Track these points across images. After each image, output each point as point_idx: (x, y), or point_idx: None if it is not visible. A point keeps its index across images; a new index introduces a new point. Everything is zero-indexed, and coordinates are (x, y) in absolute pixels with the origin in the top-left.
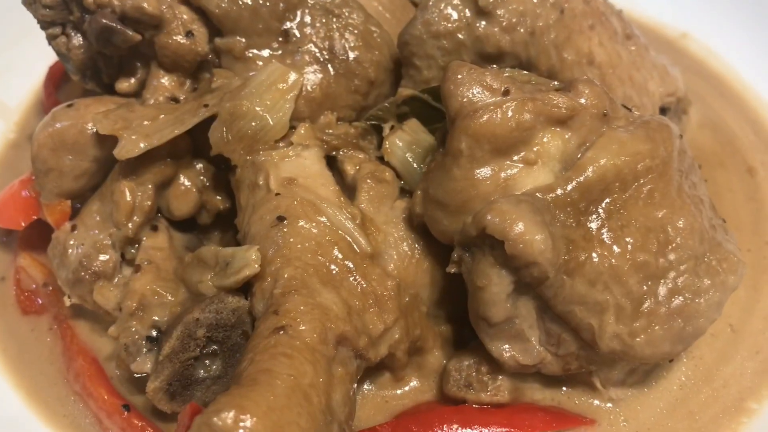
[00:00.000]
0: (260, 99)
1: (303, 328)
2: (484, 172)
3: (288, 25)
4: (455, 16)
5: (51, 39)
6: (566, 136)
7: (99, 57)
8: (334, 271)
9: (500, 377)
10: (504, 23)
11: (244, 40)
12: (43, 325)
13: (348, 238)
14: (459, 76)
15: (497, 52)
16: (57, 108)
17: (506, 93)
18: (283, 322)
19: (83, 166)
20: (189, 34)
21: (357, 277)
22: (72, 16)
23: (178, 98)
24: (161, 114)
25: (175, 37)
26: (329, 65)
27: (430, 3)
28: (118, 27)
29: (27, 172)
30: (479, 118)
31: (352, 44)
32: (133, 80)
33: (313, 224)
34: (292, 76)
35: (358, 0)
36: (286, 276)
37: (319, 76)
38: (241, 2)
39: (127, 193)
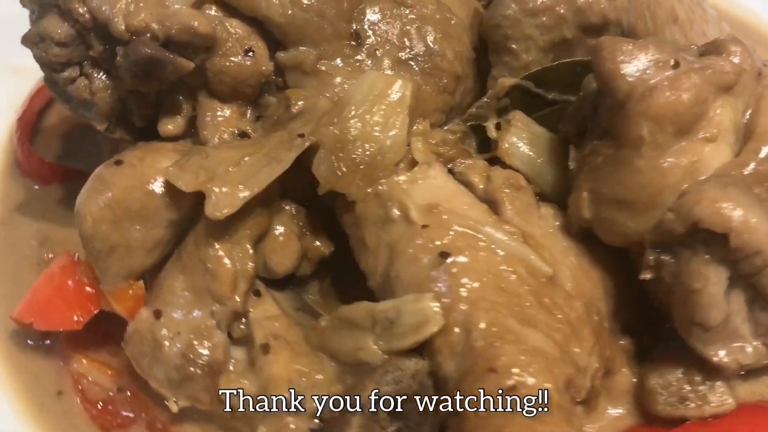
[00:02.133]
0: (370, 117)
1: (533, 381)
2: (671, 157)
3: (357, 25)
4: None
5: (66, 84)
6: (735, 104)
7: (130, 97)
8: (525, 305)
9: (717, 384)
10: None
11: (313, 50)
12: None
13: (523, 263)
14: (619, 53)
15: (602, 22)
16: (103, 169)
17: (677, 65)
18: (508, 382)
19: (156, 234)
20: (248, 52)
21: (549, 306)
22: (92, 51)
23: (247, 132)
24: (244, 155)
25: (233, 59)
26: (413, 65)
27: None
28: (168, 55)
29: (62, 255)
30: (659, 97)
31: (432, 37)
32: (179, 119)
33: (482, 254)
34: (398, 84)
35: None
36: (482, 324)
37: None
38: (304, 4)
39: (226, 259)
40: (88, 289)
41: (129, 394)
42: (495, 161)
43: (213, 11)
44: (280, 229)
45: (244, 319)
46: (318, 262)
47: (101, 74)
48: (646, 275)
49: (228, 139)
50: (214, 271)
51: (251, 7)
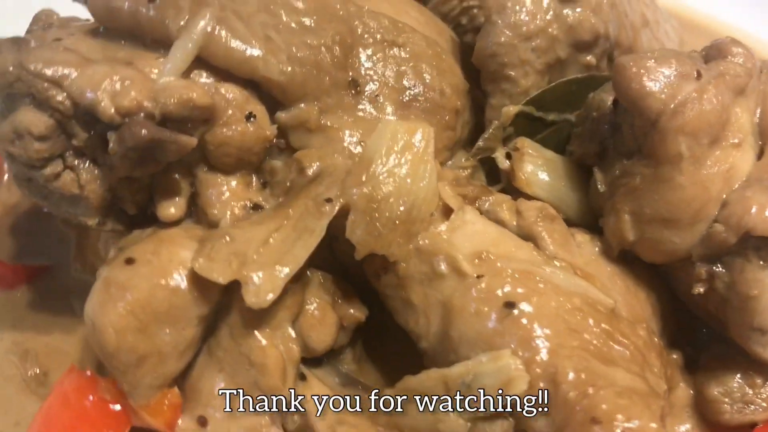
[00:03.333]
0: (399, 170)
1: (636, 424)
2: (709, 169)
3: (353, 72)
4: (542, 9)
5: (50, 181)
6: (748, 105)
7: (121, 184)
8: (600, 343)
9: None
10: (592, 3)
11: (316, 105)
12: None
13: (584, 298)
14: (644, 71)
15: (593, 37)
16: (113, 272)
17: (699, 75)
18: (617, 431)
19: (188, 335)
20: (250, 117)
21: (619, 339)
22: (75, 140)
23: (260, 204)
24: (271, 231)
25: (235, 127)
26: (415, 105)
27: (509, 4)
28: (170, 135)
29: (69, 372)
30: (692, 110)
31: (428, 75)
32: (178, 200)
33: (545, 297)
34: (421, 131)
35: (404, 21)
36: (570, 373)
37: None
38: (300, 57)
39: (271, 348)
40: (113, 407)
41: None
42: (509, 192)
43: (204, 78)
44: (313, 303)
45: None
46: (354, 329)
47: (87, 164)
48: (699, 289)
49: (240, 214)
50: (261, 364)
51: (248, 69)
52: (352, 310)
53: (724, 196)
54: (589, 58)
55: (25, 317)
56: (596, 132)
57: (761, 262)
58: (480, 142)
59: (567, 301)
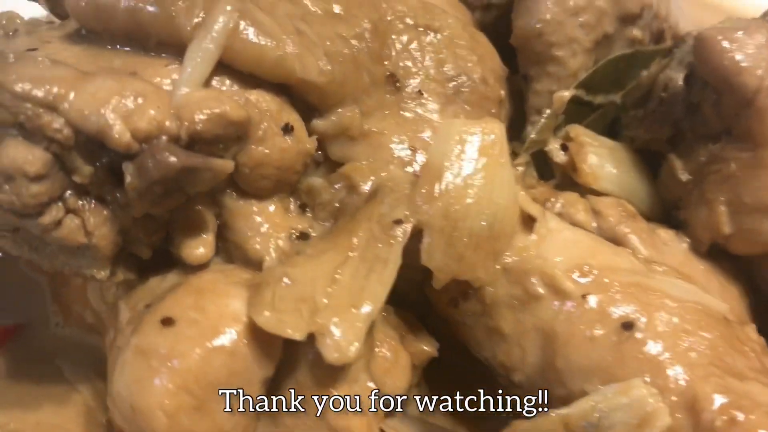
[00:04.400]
0: (475, 179)
1: None
2: None
3: (390, 65)
4: None
5: (49, 231)
6: None
7: (136, 223)
8: (726, 356)
9: None
10: None
11: (357, 108)
12: None
13: (698, 306)
14: (735, 44)
15: (639, 8)
16: (149, 339)
17: None
18: None
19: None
20: (287, 129)
21: (740, 347)
22: (76, 176)
23: (306, 232)
24: (334, 267)
25: (272, 141)
26: (460, 99)
27: None
28: (204, 160)
29: None
30: None
31: (468, 62)
32: (205, 236)
33: (662, 312)
34: (493, 130)
35: (431, 1)
36: (714, 398)
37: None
38: (338, 53)
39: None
40: None
41: None
42: (563, 189)
43: (227, 86)
44: (383, 344)
45: None
46: (425, 367)
47: (93, 204)
48: None
49: (286, 246)
50: (344, 428)
51: (283, 72)
52: (424, 346)
53: None
54: (635, 32)
55: (6, 391)
56: (668, 114)
57: None
58: (533, 134)
59: (684, 313)
